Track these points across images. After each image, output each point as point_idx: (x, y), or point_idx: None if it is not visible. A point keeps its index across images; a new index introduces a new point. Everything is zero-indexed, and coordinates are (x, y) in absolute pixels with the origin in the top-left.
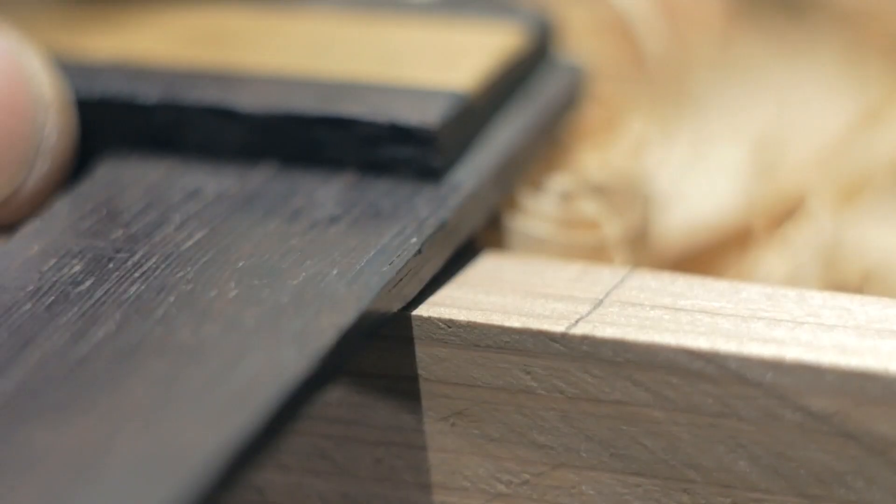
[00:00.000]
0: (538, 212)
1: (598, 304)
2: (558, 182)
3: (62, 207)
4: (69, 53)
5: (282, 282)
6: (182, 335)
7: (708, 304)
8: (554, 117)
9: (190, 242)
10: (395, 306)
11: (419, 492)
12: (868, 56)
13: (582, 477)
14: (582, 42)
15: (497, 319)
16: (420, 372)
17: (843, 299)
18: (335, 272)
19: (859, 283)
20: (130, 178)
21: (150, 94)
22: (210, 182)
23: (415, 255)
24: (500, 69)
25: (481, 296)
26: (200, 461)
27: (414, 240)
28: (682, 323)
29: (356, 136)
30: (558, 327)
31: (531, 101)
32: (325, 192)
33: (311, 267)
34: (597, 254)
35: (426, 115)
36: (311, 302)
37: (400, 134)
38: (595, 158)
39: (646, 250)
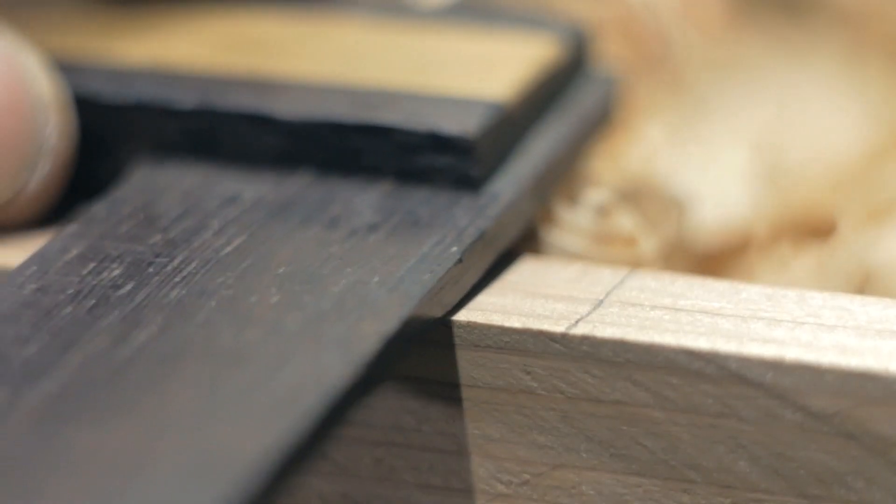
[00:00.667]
0: (574, 226)
1: (599, 304)
2: (594, 195)
3: (99, 212)
4: (104, 58)
5: (323, 288)
6: (224, 340)
7: (708, 305)
8: (589, 129)
9: (229, 248)
10: (437, 313)
11: (419, 492)
12: (869, 57)
13: (582, 477)
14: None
15: (497, 319)
16: (420, 372)
17: (843, 299)
18: (376, 280)
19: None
20: (166, 183)
21: (186, 99)
22: (247, 188)
23: (455, 263)
24: (536, 79)
25: (481, 296)
26: (246, 465)
27: (454, 248)
28: (683, 323)
29: (394, 144)
30: (558, 327)
31: (567, 113)
32: (363, 199)
33: (351, 274)
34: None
35: (465, 125)
36: (352, 309)
37: (438, 143)
38: (610, 166)
39: (681, 262)
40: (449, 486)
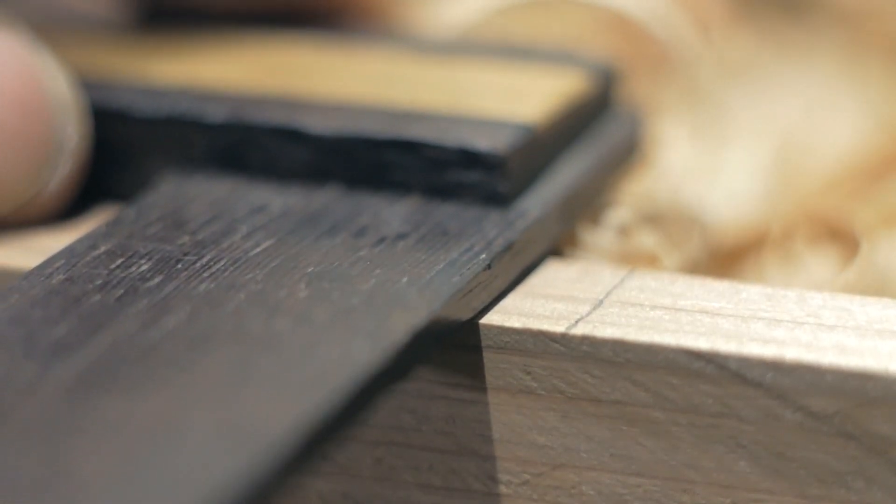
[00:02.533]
0: (596, 247)
1: (598, 304)
2: (615, 216)
3: (127, 215)
4: (137, 76)
5: (352, 286)
6: (254, 327)
7: (708, 305)
8: (615, 162)
9: (258, 250)
10: (465, 316)
11: (419, 492)
12: (869, 56)
13: (582, 477)
14: (588, 43)
15: (497, 319)
16: (420, 372)
17: (843, 299)
18: (405, 280)
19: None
20: (195, 192)
21: (217, 113)
22: (275, 199)
23: (484, 269)
24: (565, 109)
25: None
26: (277, 435)
27: (483, 256)
28: (682, 323)
29: (424, 159)
30: (558, 327)
31: (594, 144)
32: (392, 212)
33: (380, 275)
34: None
35: (496, 141)
36: (382, 304)
37: (469, 158)
38: (631, 182)
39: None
40: (449, 486)
